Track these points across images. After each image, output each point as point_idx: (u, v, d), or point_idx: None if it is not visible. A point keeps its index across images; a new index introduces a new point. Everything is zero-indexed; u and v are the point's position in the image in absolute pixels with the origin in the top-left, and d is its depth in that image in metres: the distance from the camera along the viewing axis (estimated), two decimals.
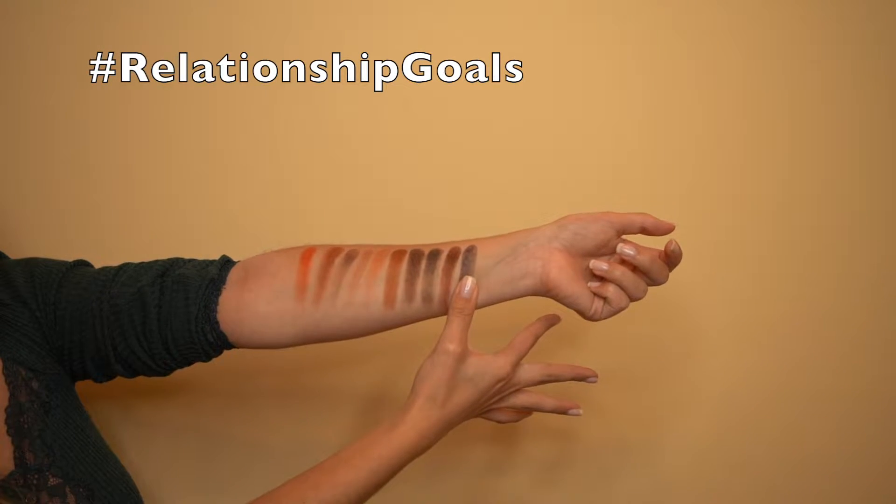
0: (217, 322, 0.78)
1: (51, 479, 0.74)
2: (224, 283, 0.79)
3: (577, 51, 1.02)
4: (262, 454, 1.03)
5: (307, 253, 0.79)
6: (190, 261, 0.82)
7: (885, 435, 1.08)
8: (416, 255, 0.78)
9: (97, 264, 0.85)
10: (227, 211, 1.02)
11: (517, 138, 1.03)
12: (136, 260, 0.85)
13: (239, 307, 0.78)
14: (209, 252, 1.00)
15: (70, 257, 0.86)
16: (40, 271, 0.80)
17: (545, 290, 0.77)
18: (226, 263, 0.82)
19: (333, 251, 0.79)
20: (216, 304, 0.78)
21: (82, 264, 0.84)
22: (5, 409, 0.75)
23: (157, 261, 0.82)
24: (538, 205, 1.01)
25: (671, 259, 0.78)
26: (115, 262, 0.85)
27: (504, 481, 1.05)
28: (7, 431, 0.74)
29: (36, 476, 0.74)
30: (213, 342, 0.79)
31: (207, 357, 0.81)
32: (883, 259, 1.06)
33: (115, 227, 1.01)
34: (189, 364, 0.82)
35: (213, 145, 1.01)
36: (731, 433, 1.07)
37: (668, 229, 0.78)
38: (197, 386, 1.02)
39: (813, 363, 1.07)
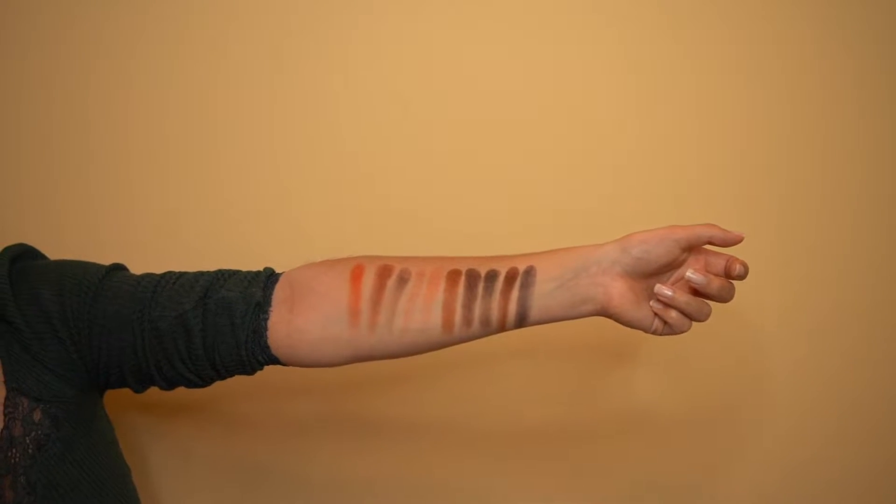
0: (268, 346, 0.77)
1: None
2: (270, 306, 0.77)
3: (577, 51, 1.01)
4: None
5: (356, 273, 0.76)
6: (233, 275, 0.80)
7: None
8: (472, 278, 0.75)
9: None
10: (227, 211, 1.01)
11: (518, 140, 1.02)
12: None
13: (290, 332, 0.77)
14: (207, 252, 0.99)
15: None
16: (70, 284, 0.77)
17: (606, 315, 0.75)
18: (269, 279, 0.79)
19: (384, 271, 0.76)
20: (265, 328, 0.77)
21: (118, 269, 0.82)
22: None
23: (199, 276, 0.80)
24: (537, 206, 1.03)
25: (734, 278, 0.76)
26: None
27: None
28: None
29: None
30: (263, 362, 0.79)
31: (254, 372, 0.81)
32: (883, 259, 1.06)
33: (113, 227, 1.01)
34: (233, 376, 0.81)
35: (213, 145, 1.00)
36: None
37: (736, 240, 0.75)
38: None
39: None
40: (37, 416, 0.75)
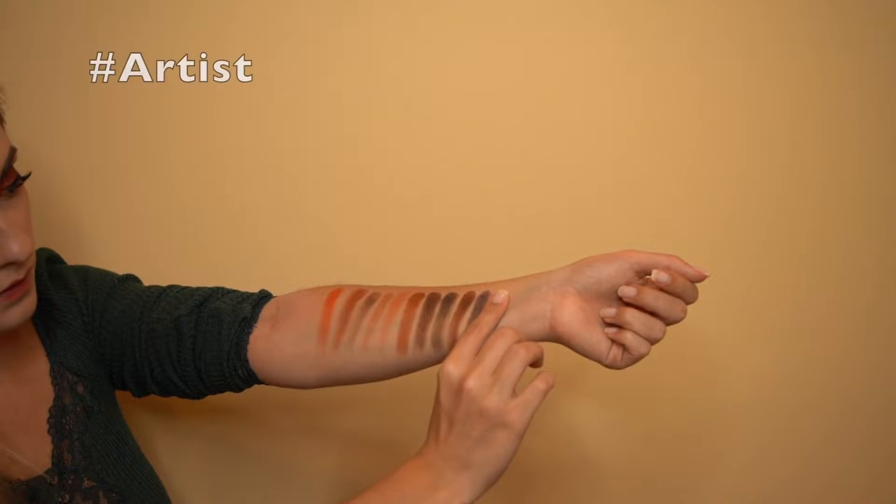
0: (247, 360, 0.79)
1: (85, 482, 0.75)
2: (256, 322, 0.79)
3: (576, 53, 1.01)
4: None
5: (333, 295, 0.77)
6: (230, 293, 0.83)
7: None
8: (432, 300, 0.75)
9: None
10: (226, 212, 1.00)
11: (517, 136, 1.02)
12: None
13: (268, 347, 0.78)
14: (206, 253, 1.00)
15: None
16: (93, 276, 0.83)
17: (556, 336, 0.73)
18: (261, 300, 0.82)
19: (357, 293, 0.77)
20: (247, 342, 0.79)
21: (131, 279, 0.86)
22: (49, 409, 0.76)
23: (199, 288, 0.83)
24: (535, 203, 1.02)
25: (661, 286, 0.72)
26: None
27: None
28: (48, 430, 0.75)
29: (72, 477, 0.74)
30: (244, 377, 0.80)
31: (238, 389, 0.82)
32: (880, 259, 1.07)
33: (112, 229, 0.99)
34: (221, 392, 0.83)
35: (212, 145, 0.99)
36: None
37: (697, 278, 0.71)
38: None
39: (809, 367, 1.09)
40: (80, 388, 0.78)
